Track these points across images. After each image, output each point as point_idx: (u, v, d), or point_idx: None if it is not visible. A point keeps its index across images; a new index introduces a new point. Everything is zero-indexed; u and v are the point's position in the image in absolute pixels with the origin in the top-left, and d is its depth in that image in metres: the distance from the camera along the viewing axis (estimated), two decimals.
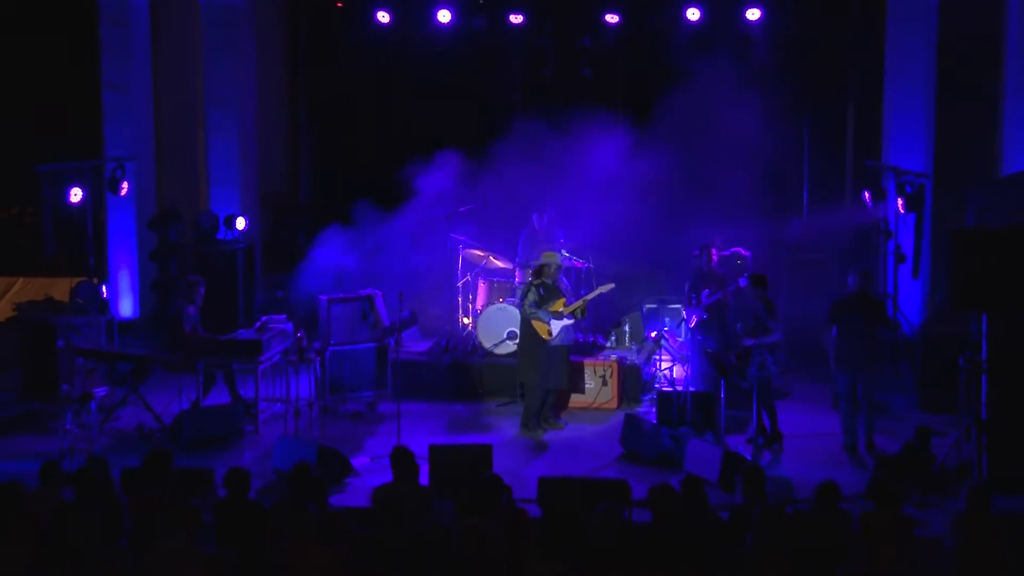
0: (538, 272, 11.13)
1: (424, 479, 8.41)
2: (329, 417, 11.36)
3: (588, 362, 11.98)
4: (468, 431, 11.14)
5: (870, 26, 14.34)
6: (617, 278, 11.65)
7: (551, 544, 6.99)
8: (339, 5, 16.12)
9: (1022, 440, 9.06)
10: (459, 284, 13.02)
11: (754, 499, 7.10)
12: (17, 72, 15.67)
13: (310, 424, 10.96)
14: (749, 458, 9.61)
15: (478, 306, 12.83)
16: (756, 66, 13.89)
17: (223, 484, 7.51)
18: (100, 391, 10.72)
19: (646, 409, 11.68)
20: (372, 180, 14.42)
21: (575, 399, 11.88)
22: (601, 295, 11.39)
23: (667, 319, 12.77)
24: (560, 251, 11.99)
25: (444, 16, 15.26)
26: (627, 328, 13.03)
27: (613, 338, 12.97)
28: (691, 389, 10.77)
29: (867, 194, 13.36)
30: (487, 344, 12.33)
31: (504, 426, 11.26)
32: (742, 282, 10.82)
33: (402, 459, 7.72)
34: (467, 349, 12.68)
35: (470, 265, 13.07)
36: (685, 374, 11.62)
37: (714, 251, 11.75)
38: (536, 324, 10.91)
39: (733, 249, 12.93)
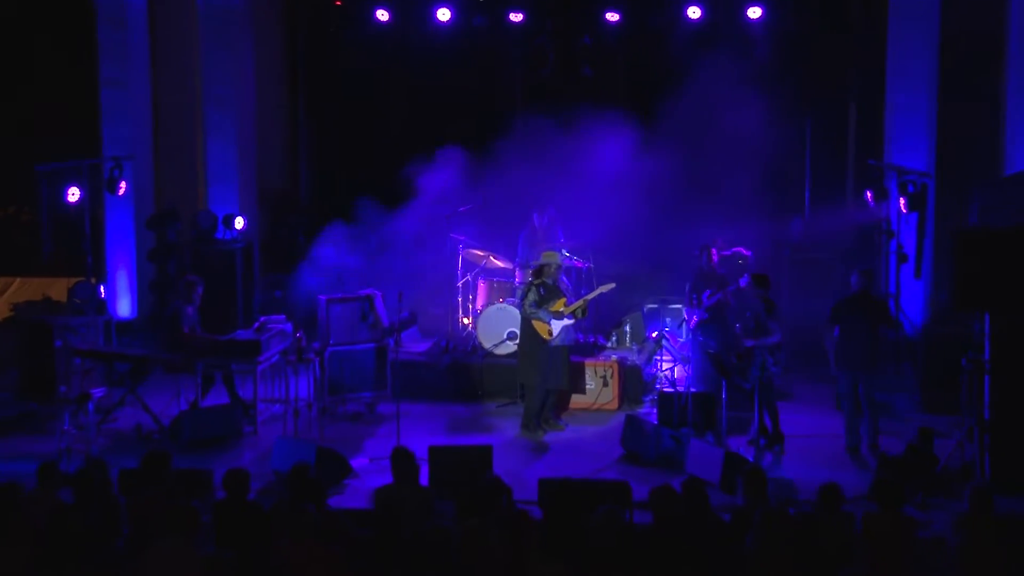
0: (538, 272, 11.09)
1: (424, 480, 8.38)
2: (328, 418, 11.32)
3: (589, 362, 11.94)
4: (468, 432, 11.09)
5: (872, 25, 14.30)
6: (618, 278, 11.58)
7: (552, 545, 6.95)
8: (338, 3, 16.05)
9: None
10: (459, 284, 12.97)
11: (756, 500, 7.08)
12: (15, 71, 15.65)
13: (309, 425, 10.93)
14: (751, 459, 9.59)
15: (478, 306, 12.78)
16: (757, 65, 13.81)
17: (222, 485, 7.51)
18: (98, 392, 10.66)
19: (647, 410, 11.64)
20: (371, 179, 14.42)
21: (576, 400, 11.84)
22: (602, 295, 11.34)
23: (668, 319, 12.72)
24: (560, 251, 11.96)
25: (444, 14, 15.23)
26: (628, 328, 12.98)
27: (614, 338, 12.92)
28: (692, 390, 10.72)
29: (869, 193, 13.33)
30: (487, 344, 12.28)
31: (504, 427, 11.22)
32: (743, 282, 10.78)
33: (402, 460, 7.71)
34: (467, 349, 12.64)
35: (470, 265, 13.02)
36: (686, 375, 11.59)
37: (715, 251, 11.72)
38: (536, 324, 10.87)
39: (734, 249, 12.90)
